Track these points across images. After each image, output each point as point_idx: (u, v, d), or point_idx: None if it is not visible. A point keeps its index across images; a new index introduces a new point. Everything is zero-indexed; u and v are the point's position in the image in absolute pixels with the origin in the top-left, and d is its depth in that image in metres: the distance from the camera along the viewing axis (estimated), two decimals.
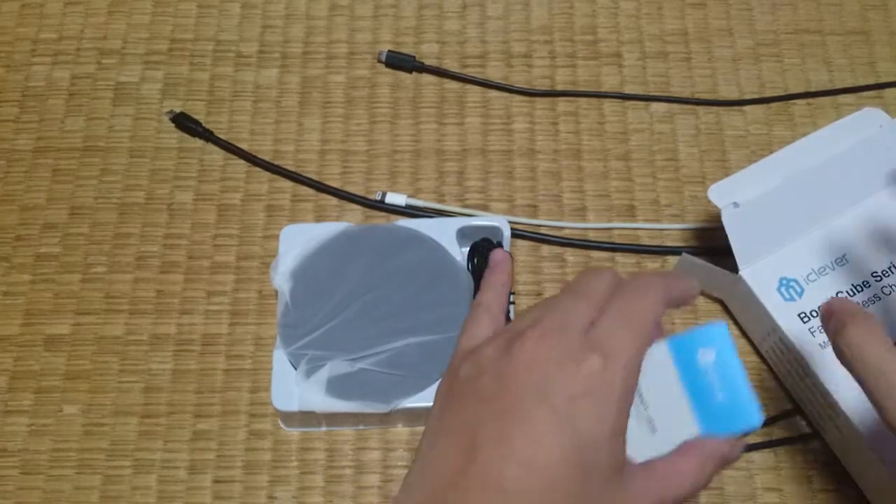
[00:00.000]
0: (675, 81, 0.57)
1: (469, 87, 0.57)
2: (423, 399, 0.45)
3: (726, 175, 0.49)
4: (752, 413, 0.30)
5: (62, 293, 0.51)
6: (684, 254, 0.48)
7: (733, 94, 0.57)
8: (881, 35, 0.58)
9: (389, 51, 0.57)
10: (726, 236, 0.46)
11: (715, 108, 0.56)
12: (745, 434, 0.30)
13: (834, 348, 0.33)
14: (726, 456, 0.30)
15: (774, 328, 0.45)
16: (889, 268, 0.46)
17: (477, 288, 0.48)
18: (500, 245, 0.49)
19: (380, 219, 0.53)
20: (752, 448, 0.47)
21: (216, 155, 0.55)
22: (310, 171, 0.54)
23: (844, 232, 0.47)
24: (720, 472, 0.32)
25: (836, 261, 0.46)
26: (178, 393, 0.49)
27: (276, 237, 0.50)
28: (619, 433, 0.28)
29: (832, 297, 0.34)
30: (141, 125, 0.56)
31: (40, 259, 0.52)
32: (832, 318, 0.33)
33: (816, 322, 0.45)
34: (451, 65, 0.57)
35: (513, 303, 0.50)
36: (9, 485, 0.47)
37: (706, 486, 0.30)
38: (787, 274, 0.46)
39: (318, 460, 0.47)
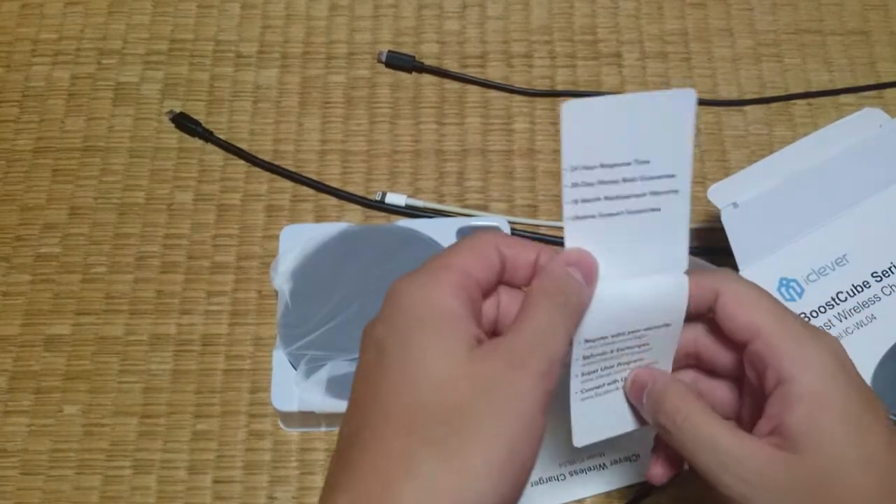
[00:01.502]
0: (674, 81, 0.57)
1: (469, 87, 0.57)
2: None
3: (726, 175, 0.49)
4: None
5: (62, 293, 0.51)
6: None
7: (733, 94, 0.57)
8: (881, 35, 0.58)
9: (389, 51, 0.57)
10: (726, 236, 0.46)
11: (715, 108, 0.56)
12: None
13: (656, 426, 0.33)
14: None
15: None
16: (889, 268, 0.46)
17: None
18: None
19: (380, 219, 0.53)
20: None
21: (216, 155, 0.55)
22: (310, 172, 0.54)
23: (844, 232, 0.47)
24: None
25: (836, 261, 0.46)
26: (177, 393, 0.49)
27: (276, 237, 0.50)
28: None
29: (638, 370, 0.34)
30: (141, 125, 0.56)
31: (40, 259, 0.52)
32: (646, 395, 0.34)
33: (817, 322, 0.45)
34: (451, 65, 0.57)
35: None
36: (9, 485, 0.47)
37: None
38: (787, 274, 0.46)
39: (318, 460, 0.47)
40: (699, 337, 0.34)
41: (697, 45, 0.58)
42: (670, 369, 0.34)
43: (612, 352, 0.33)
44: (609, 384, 0.34)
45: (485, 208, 0.53)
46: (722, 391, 0.35)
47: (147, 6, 0.59)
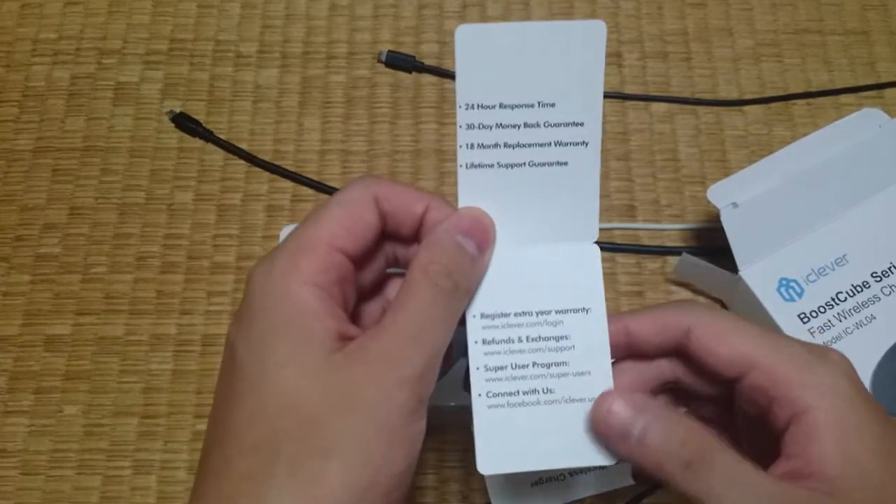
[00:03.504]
0: (675, 81, 0.57)
1: None
2: None
3: (726, 175, 0.49)
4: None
5: (62, 293, 0.51)
6: (684, 254, 0.48)
7: (733, 94, 0.57)
8: (881, 35, 0.58)
9: (389, 51, 0.57)
10: (726, 236, 0.46)
11: (715, 108, 0.56)
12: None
13: (658, 470, 0.27)
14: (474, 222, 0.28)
15: (775, 329, 0.45)
16: (889, 268, 0.46)
17: None
18: None
19: None
20: None
21: (216, 155, 0.55)
22: (310, 171, 0.54)
23: (844, 232, 0.47)
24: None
25: (836, 261, 0.46)
26: (178, 393, 0.49)
27: (276, 237, 0.50)
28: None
29: (609, 399, 0.28)
30: (141, 125, 0.56)
31: (40, 259, 0.52)
32: (638, 431, 0.28)
33: (817, 322, 0.45)
34: (451, 65, 0.57)
35: None
36: (9, 485, 0.47)
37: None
38: (787, 274, 0.46)
39: None
40: (678, 370, 0.30)
41: (697, 45, 0.58)
42: (611, 384, 0.29)
43: (520, 340, 0.28)
44: (527, 393, 0.28)
45: None
46: (704, 412, 0.32)
47: (147, 6, 0.59)
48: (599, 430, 0.28)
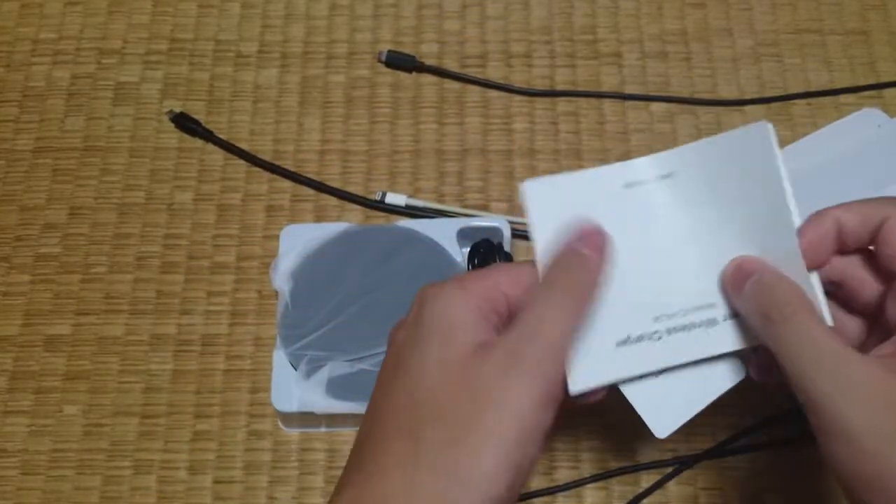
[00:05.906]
0: (674, 81, 0.57)
1: (469, 87, 0.57)
2: None
3: None
4: None
5: (62, 293, 0.51)
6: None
7: (733, 94, 0.57)
8: (881, 35, 0.58)
9: (389, 50, 0.57)
10: None
11: (715, 108, 0.56)
12: None
13: (754, 315, 0.32)
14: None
15: None
16: None
17: None
18: (500, 245, 0.49)
19: (380, 219, 0.53)
20: (754, 448, 0.47)
21: (216, 155, 0.55)
22: (310, 172, 0.54)
23: None
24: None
25: None
26: (177, 393, 0.49)
27: (276, 237, 0.50)
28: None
29: (745, 258, 0.33)
30: (141, 125, 0.56)
31: (40, 259, 0.52)
32: (752, 282, 0.32)
33: None
34: (451, 65, 0.57)
35: None
36: (9, 485, 0.47)
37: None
38: None
39: (318, 461, 0.47)
40: (849, 267, 0.33)
41: (697, 44, 0.58)
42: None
43: None
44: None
45: (485, 208, 0.53)
46: (851, 326, 0.34)
47: (147, 6, 0.59)
48: (729, 270, 0.33)
